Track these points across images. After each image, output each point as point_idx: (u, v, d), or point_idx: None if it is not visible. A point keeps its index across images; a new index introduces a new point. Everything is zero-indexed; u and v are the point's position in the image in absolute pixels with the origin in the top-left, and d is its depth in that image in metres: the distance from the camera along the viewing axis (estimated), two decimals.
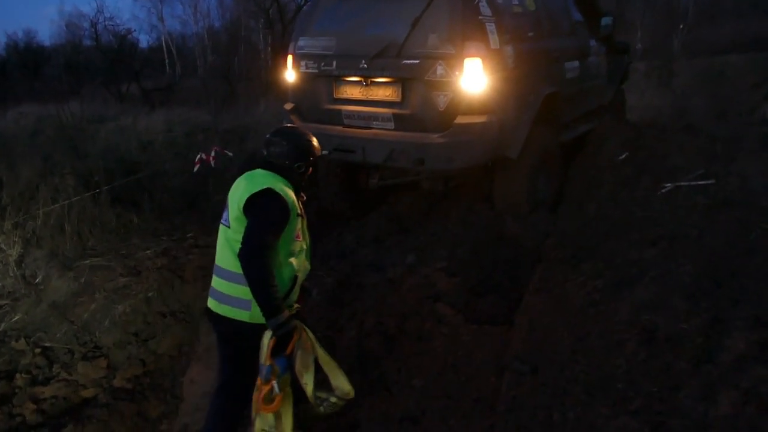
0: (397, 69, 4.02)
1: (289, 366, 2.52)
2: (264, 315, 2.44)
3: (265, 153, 2.69)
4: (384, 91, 4.16)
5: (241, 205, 2.52)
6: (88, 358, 3.91)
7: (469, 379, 3.04)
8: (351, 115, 4.33)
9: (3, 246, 5.07)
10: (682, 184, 4.20)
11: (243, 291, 2.51)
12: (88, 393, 3.70)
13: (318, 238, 4.89)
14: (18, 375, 3.82)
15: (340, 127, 4.34)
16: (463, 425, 2.80)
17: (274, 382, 2.43)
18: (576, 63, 5.12)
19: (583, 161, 5.01)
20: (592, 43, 5.52)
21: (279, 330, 2.44)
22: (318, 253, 4.48)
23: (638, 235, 3.87)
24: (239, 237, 2.50)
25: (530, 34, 4.40)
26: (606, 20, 5.64)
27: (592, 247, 3.90)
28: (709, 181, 4.09)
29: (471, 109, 3.92)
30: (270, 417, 2.49)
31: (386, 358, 3.23)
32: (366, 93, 4.22)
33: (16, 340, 4.13)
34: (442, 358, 3.19)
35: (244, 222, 2.52)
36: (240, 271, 2.47)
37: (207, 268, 4.76)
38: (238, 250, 2.47)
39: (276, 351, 2.46)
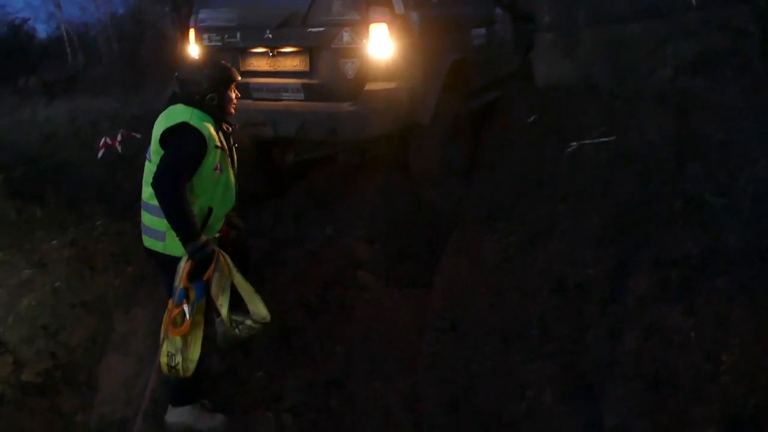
0: (303, 38, 3.94)
1: (206, 291, 2.55)
2: (180, 240, 2.50)
3: (177, 91, 2.69)
4: (291, 61, 4.07)
5: (157, 139, 2.57)
6: None
7: (391, 342, 3.07)
8: (259, 87, 4.22)
9: None
10: (586, 142, 4.38)
11: (157, 222, 2.60)
12: None
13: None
14: None
15: (249, 101, 4.21)
16: (387, 386, 2.83)
17: (185, 306, 2.46)
18: (482, 30, 5.20)
19: (494, 126, 5.12)
20: (497, 11, 5.63)
21: (195, 255, 2.49)
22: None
23: (548, 193, 4.01)
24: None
25: (435, 0, 4.42)
26: None
27: (506, 207, 4.01)
28: (611, 138, 4.28)
29: (379, 76, 3.90)
30: (177, 340, 2.49)
31: (309, 329, 3.21)
32: (273, 64, 4.12)
33: None
34: (365, 324, 3.20)
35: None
36: (156, 202, 2.52)
37: (119, 255, 4.59)
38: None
39: (193, 275, 2.50)
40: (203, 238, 2.52)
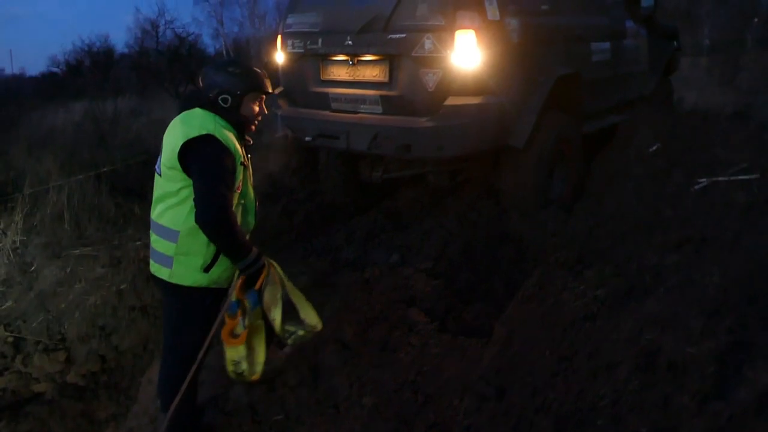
0: (383, 44, 3.58)
1: (260, 300, 2.47)
2: (232, 260, 2.35)
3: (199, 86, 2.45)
4: (371, 70, 3.73)
5: (176, 152, 2.26)
6: (49, 351, 3.67)
7: (428, 400, 2.57)
8: (338, 98, 3.93)
9: (5, 233, 4.98)
10: (721, 179, 3.54)
11: (165, 246, 2.35)
12: (40, 387, 3.45)
13: (313, 234, 4.53)
14: None
15: (327, 112, 3.94)
16: None
17: (240, 319, 2.44)
18: (606, 44, 4.51)
19: (609, 154, 4.39)
20: (629, 24, 4.89)
21: (248, 270, 2.37)
22: (300, 250, 4.11)
23: (661, 237, 3.27)
24: (172, 187, 2.31)
25: (544, 7, 3.85)
26: (647, 0, 4.99)
27: (604, 250, 3.33)
28: (753, 176, 3.42)
29: (464, 90, 3.43)
30: (240, 349, 2.47)
31: (340, 370, 2.80)
32: (353, 73, 3.81)
33: None
34: (403, 372, 2.73)
35: (179, 171, 2.28)
36: (165, 224, 2.33)
37: None
38: (172, 203, 2.31)
39: (245, 287, 2.43)
40: (255, 250, 2.36)
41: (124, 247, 4.74)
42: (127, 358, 3.66)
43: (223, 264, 2.39)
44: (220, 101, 2.33)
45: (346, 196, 4.83)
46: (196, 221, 2.24)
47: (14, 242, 4.85)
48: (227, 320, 2.45)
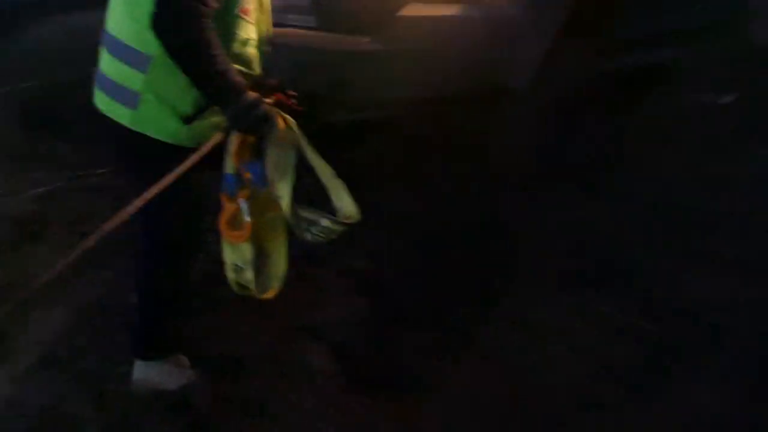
0: None
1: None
2: (216, 104, 1.57)
3: None
4: None
5: None
6: None
7: None
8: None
9: None
10: None
11: (129, 76, 1.57)
12: None
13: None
14: None
15: None
16: None
17: (242, 202, 1.64)
18: None
19: (656, 104, 3.08)
20: None
21: (241, 120, 1.54)
22: None
23: (722, 249, 2.07)
24: None
25: None
26: None
27: (635, 263, 2.14)
28: None
29: None
30: (245, 248, 1.68)
31: None
32: None
33: None
34: None
35: None
36: (129, 41, 1.56)
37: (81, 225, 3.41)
38: (142, 4, 1.46)
39: (245, 150, 1.62)
40: (250, 94, 1.52)
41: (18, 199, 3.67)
42: None
43: (214, 115, 1.61)
44: None
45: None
46: (151, 26, 1.44)
47: None
48: (226, 203, 1.67)
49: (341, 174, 3.38)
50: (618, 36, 2.91)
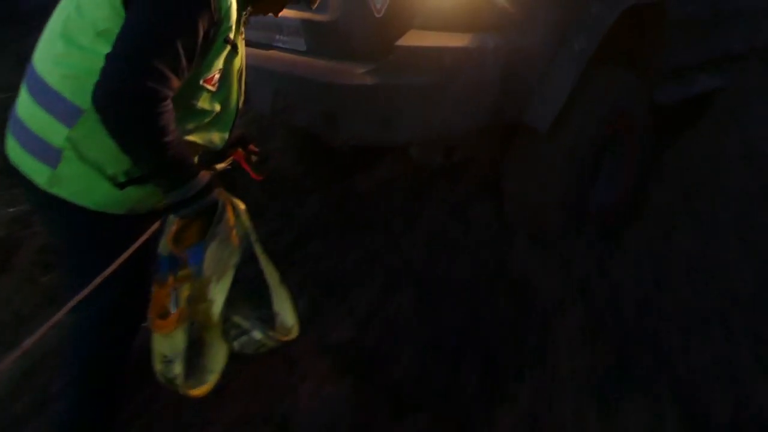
0: None
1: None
2: (163, 187, 1.29)
3: None
4: None
5: None
6: None
7: None
8: (254, 23, 2.37)
9: None
10: None
11: (51, 127, 1.28)
12: None
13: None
14: None
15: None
16: None
17: (172, 290, 1.42)
18: None
19: (698, 143, 2.71)
20: None
21: (185, 207, 1.31)
22: None
23: None
24: (93, 15, 1.24)
25: None
26: None
27: (675, 341, 1.79)
28: None
29: (437, 19, 1.84)
30: (176, 337, 1.43)
31: None
32: None
33: None
34: None
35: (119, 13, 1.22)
36: (58, 87, 1.26)
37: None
38: (84, 47, 1.24)
39: (185, 236, 1.40)
40: (203, 175, 1.32)
41: None
42: None
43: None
44: None
45: (299, 165, 3.35)
46: (93, 98, 1.17)
47: None
48: (157, 290, 1.47)
49: (339, 207, 3.06)
50: (664, 66, 2.55)
